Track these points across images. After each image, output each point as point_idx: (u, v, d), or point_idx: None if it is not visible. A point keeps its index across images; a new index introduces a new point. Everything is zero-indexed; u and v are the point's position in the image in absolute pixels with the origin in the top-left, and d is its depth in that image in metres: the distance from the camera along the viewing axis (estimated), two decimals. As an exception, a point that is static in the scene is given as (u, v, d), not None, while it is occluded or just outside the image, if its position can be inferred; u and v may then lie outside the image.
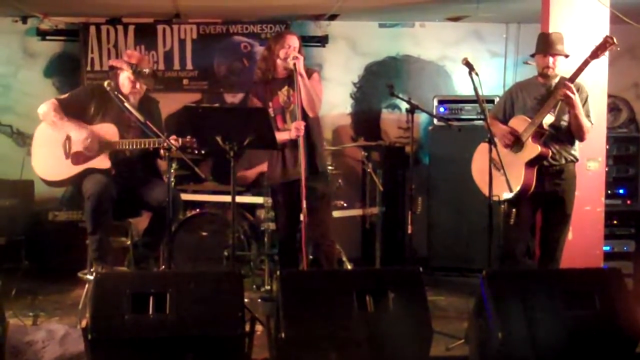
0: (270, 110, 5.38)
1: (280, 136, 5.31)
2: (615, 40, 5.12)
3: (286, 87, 5.32)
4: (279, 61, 5.32)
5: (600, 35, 5.29)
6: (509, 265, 5.38)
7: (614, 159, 6.99)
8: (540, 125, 5.29)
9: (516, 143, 5.36)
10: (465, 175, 5.69)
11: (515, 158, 5.27)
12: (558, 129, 5.36)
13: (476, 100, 5.05)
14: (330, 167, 6.19)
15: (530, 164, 5.31)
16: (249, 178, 7.01)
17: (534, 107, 5.37)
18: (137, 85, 5.47)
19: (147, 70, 5.49)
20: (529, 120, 5.33)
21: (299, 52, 5.32)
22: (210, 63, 8.02)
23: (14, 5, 7.17)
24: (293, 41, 5.35)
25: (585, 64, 5.18)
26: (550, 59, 5.36)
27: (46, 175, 5.44)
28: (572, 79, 5.21)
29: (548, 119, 5.30)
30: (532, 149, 5.31)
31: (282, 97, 5.38)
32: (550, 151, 5.34)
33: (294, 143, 5.27)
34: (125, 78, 5.47)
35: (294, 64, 5.15)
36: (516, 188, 5.19)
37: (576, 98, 5.17)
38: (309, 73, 5.37)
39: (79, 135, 5.32)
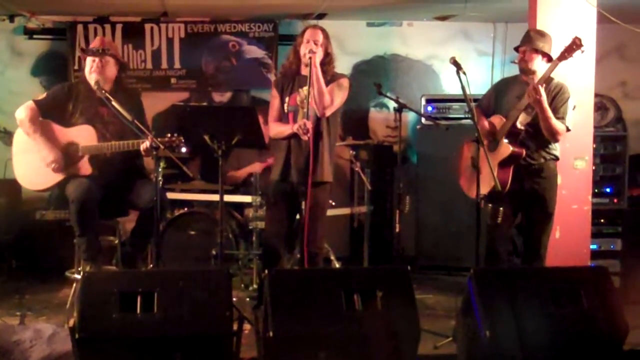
0: (285, 106, 5.38)
1: (284, 129, 5.32)
2: (582, 42, 5.11)
3: (307, 87, 5.18)
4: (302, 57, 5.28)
5: (587, 34, 5.30)
6: (493, 264, 5.38)
7: (601, 158, 7.01)
8: (514, 125, 5.30)
9: (492, 140, 5.36)
10: (453, 174, 5.71)
11: (490, 156, 5.24)
12: (535, 129, 5.33)
13: (464, 99, 5.06)
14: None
15: (503, 163, 5.31)
16: (238, 178, 7.00)
17: (515, 105, 5.36)
18: (100, 65, 5.38)
19: (94, 49, 5.43)
20: (505, 119, 5.34)
21: (326, 47, 5.28)
22: (199, 62, 8.01)
23: (1, 4, 7.15)
24: (312, 35, 5.28)
25: (554, 65, 5.18)
26: (525, 54, 5.36)
27: (29, 184, 5.48)
28: (542, 79, 5.19)
29: (523, 119, 5.30)
30: (504, 149, 5.30)
31: (301, 95, 5.28)
32: (524, 151, 5.32)
33: (299, 145, 5.26)
34: (87, 64, 5.45)
35: (310, 58, 5.12)
36: (489, 187, 5.19)
37: (543, 99, 5.15)
38: (337, 77, 5.35)
39: (46, 157, 5.31)
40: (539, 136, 5.35)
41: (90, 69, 5.39)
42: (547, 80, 5.27)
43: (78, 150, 5.32)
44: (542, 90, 5.13)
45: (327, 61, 5.29)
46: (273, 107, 5.47)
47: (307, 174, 5.18)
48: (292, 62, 5.38)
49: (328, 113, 5.26)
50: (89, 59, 5.42)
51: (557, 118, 5.26)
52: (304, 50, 5.22)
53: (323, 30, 5.34)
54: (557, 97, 5.32)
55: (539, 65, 5.33)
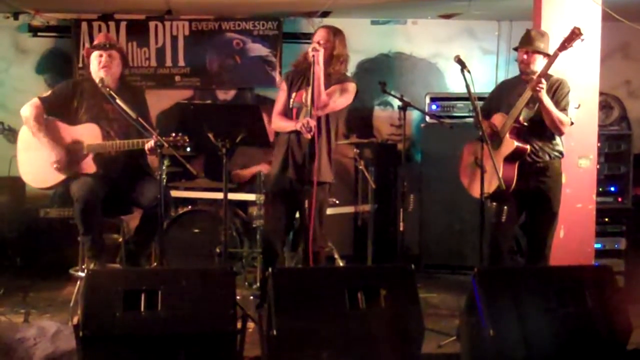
0: (291, 101, 5.40)
1: (286, 125, 5.34)
2: (582, 31, 5.11)
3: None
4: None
5: (591, 32, 5.28)
6: (496, 263, 5.37)
7: (606, 157, 6.98)
8: (517, 121, 5.29)
9: (495, 139, 5.34)
10: (457, 173, 5.71)
11: (494, 154, 5.22)
12: (539, 124, 5.32)
13: (468, 97, 5.06)
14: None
15: (508, 159, 5.30)
16: (244, 177, 6.99)
17: (517, 102, 5.30)
18: (108, 60, 5.40)
19: (101, 43, 5.46)
20: (507, 116, 5.34)
21: (332, 48, 5.28)
22: (203, 60, 8.00)
23: (5, 2, 7.16)
24: (318, 34, 5.36)
25: (555, 56, 5.17)
26: (525, 55, 5.36)
27: (33, 182, 5.49)
28: (542, 72, 5.19)
29: (526, 114, 5.29)
30: (509, 144, 5.29)
31: (308, 93, 5.26)
32: (529, 147, 5.30)
33: (299, 142, 5.28)
34: (92, 61, 5.45)
35: (313, 56, 5.13)
36: (495, 185, 5.18)
37: (543, 91, 5.13)
38: (343, 80, 5.36)
39: (49, 157, 5.30)
40: (542, 131, 5.34)
41: (98, 65, 5.39)
42: (547, 76, 5.26)
43: (83, 148, 5.32)
44: (544, 81, 5.14)
45: (332, 62, 5.29)
46: (279, 100, 5.51)
47: (304, 171, 5.19)
48: (304, 59, 5.39)
49: (321, 113, 5.26)
50: (94, 55, 5.42)
51: (560, 110, 5.26)
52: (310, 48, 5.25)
53: (330, 31, 5.37)
54: (558, 91, 5.32)
55: (540, 66, 5.32)
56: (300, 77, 5.41)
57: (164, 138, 5.03)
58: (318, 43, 5.25)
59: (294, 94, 5.40)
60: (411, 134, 8.05)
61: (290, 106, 5.40)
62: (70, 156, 5.32)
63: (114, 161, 5.37)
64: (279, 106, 5.48)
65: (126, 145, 5.25)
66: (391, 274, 4.35)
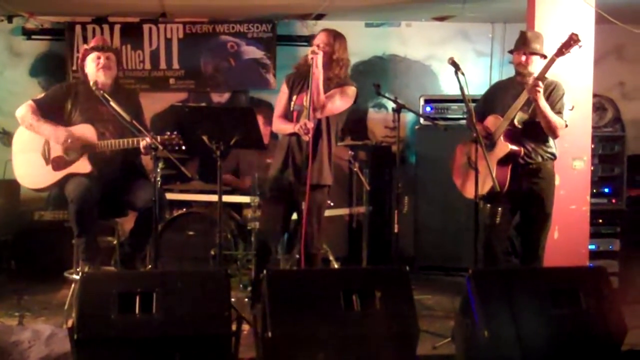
0: (292, 104, 5.40)
1: (286, 127, 5.35)
2: (579, 37, 5.12)
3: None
4: None
5: (585, 34, 5.29)
6: (491, 264, 5.38)
7: (600, 158, 6.99)
8: (512, 123, 5.30)
9: (488, 141, 5.35)
10: (451, 173, 5.72)
11: (487, 157, 5.19)
12: (532, 127, 5.33)
13: (462, 99, 5.07)
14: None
15: (501, 162, 5.31)
16: (235, 184, 6.99)
17: (512, 105, 5.33)
18: (107, 62, 5.41)
19: (99, 45, 5.47)
20: (502, 118, 5.35)
21: (332, 51, 5.27)
22: (197, 62, 8.00)
23: (-1, 5, 7.16)
24: (318, 37, 5.36)
25: (552, 61, 5.19)
26: (523, 57, 5.37)
27: (29, 184, 5.46)
28: (540, 76, 5.20)
29: (520, 117, 5.30)
30: (503, 147, 5.31)
31: (307, 96, 5.23)
32: (522, 149, 5.33)
33: (299, 145, 5.28)
34: (89, 63, 5.45)
35: (312, 59, 5.13)
36: (489, 186, 5.19)
37: (540, 95, 5.15)
38: (344, 83, 5.35)
39: (57, 138, 5.31)
40: (535, 133, 5.36)
41: (97, 66, 5.39)
42: (542, 79, 5.27)
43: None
44: (541, 84, 5.15)
45: (332, 66, 5.29)
46: (280, 102, 5.50)
47: (304, 174, 5.19)
48: (305, 62, 5.38)
49: (320, 115, 5.26)
50: (92, 57, 5.42)
51: (555, 113, 5.27)
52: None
53: (331, 34, 5.36)
54: (553, 94, 5.34)
55: (537, 67, 5.33)
56: (301, 80, 5.40)
57: (158, 137, 5.04)
58: (317, 46, 5.26)
59: (294, 97, 5.40)
60: (405, 136, 8.06)
61: (292, 109, 5.39)
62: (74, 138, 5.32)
63: (109, 162, 5.37)
64: (279, 108, 5.48)
65: (121, 144, 5.25)
66: (386, 276, 4.35)
